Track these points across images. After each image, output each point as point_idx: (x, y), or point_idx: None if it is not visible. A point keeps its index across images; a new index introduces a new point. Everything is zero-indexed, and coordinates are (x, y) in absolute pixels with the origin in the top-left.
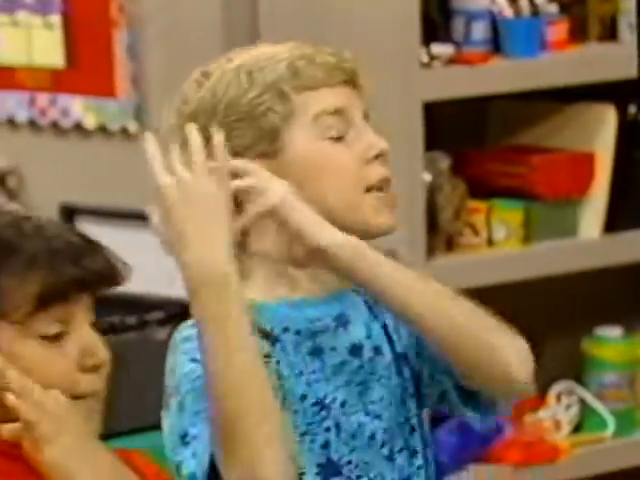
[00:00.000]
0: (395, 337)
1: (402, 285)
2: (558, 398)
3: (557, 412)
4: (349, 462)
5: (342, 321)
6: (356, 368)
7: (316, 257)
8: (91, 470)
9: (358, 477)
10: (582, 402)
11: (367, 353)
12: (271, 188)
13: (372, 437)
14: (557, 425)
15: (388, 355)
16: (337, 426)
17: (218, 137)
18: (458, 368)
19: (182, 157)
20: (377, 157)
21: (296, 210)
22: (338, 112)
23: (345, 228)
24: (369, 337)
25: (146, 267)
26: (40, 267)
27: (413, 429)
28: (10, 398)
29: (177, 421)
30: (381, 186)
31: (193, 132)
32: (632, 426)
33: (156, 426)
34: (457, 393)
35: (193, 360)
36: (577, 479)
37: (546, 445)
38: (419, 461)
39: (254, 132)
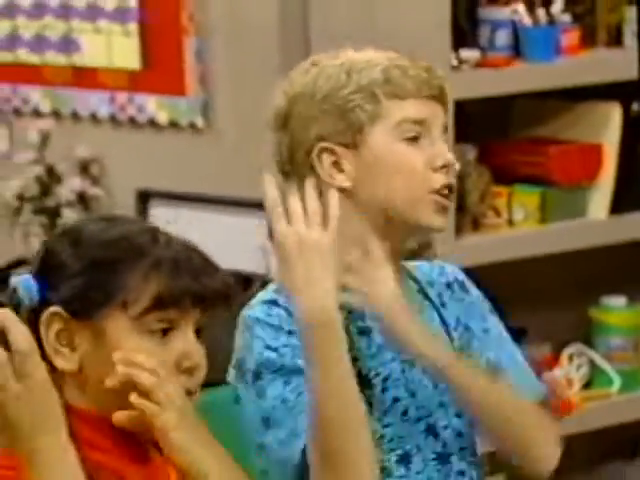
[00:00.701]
0: (455, 334)
1: (475, 392)
2: (570, 359)
3: (569, 371)
4: (381, 436)
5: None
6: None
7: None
8: (214, 455)
9: (391, 450)
10: (591, 363)
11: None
12: (379, 293)
13: (405, 413)
14: (569, 383)
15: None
16: (371, 403)
17: (333, 198)
18: (499, 449)
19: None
20: (443, 167)
21: (400, 319)
22: (419, 122)
23: (401, 221)
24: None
25: (206, 242)
26: (162, 273)
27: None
28: (137, 394)
29: (258, 405)
30: (444, 193)
31: (308, 187)
32: (636, 384)
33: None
34: None
35: (268, 348)
36: (587, 431)
37: (560, 400)
38: (465, 442)
39: (342, 123)
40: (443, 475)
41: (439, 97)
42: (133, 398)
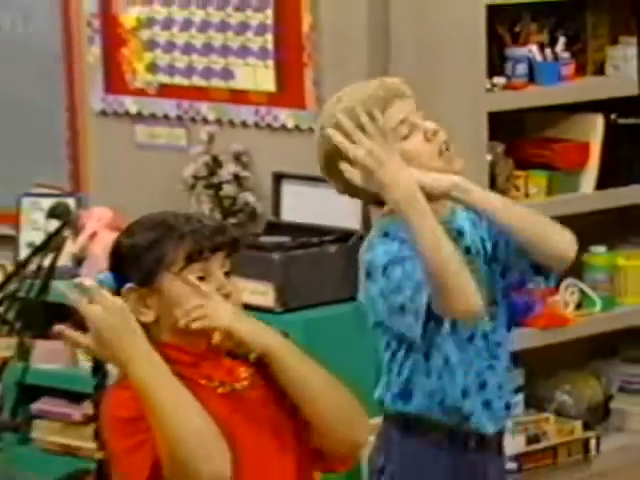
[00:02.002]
0: (488, 245)
1: (501, 209)
2: (566, 289)
3: (566, 297)
4: None
5: (460, 232)
6: (467, 260)
7: (452, 195)
8: (277, 340)
9: None
10: (581, 291)
11: (474, 251)
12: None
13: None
14: (566, 304)
15: (482, 254)
16: None
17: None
18: (533, 251)
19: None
20: (434, 134)
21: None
22: (402, 122)
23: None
24: (473, 241)
25: (325, 209)
26: (186, 240)
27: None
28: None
29: (388, 284)
30: (444, 148)
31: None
32: (612, 305)
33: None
34: (530, 269)
35: (387, 252)
36: (578, 337)
37: (559, 316)
38: (503, 321)
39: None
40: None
41: (400, 95)
42: (197, 325)
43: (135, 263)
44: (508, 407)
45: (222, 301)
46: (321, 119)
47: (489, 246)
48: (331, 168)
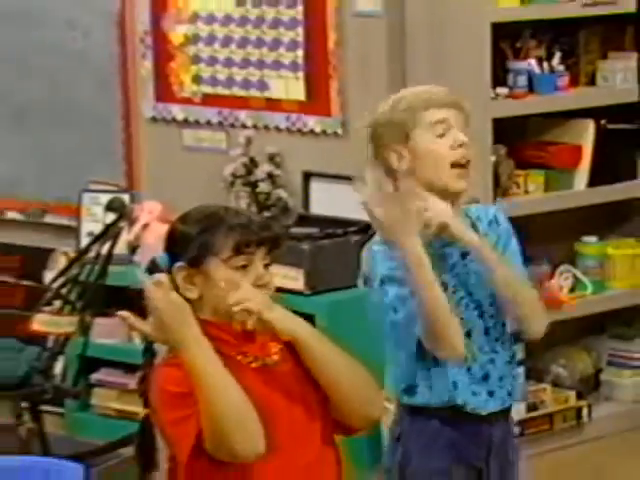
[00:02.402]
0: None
1: (491, 265)
2: (561, 274)
3: (560, 281)
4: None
5: (474, 224)
6: (462, 265)
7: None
8: (303, 327)
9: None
10: (574, 276)
11: (471, 258)
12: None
13: (467, 306)
14: (560, 288)
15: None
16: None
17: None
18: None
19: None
20: (460, 146)
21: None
22: (442, 121)
23: (438, 188)
24: (487, 235)
25: (348, 203)
26: (235, 232)
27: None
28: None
29: (384, 300)
30: (462, 163)
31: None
32: (601, 289)
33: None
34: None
35: (386, 267)
36: (571, 317)
37: (555, 299)
38: (502, 319)
39: (397, 132)
40: (487, 340)
41: (456, 105)
42: (236, 309)
43: (186, 246)
44: (510, 394)
45: (256, 291)
46: (373, 117)
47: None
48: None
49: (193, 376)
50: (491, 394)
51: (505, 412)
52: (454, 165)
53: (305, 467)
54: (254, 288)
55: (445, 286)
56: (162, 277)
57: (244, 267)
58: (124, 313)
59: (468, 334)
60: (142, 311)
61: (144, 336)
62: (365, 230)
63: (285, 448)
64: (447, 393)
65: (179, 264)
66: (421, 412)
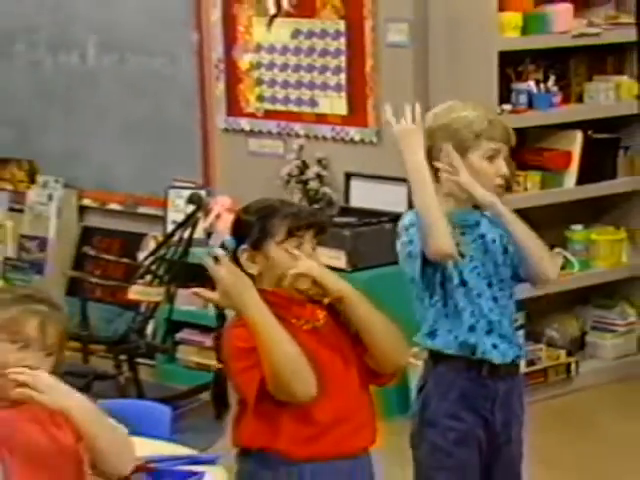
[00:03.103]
0: (505, 240)
1: (514, 226)
2: (555, 255)
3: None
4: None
5: (477, 222)
6: (480, 243)
7: (484, 206)
8: (349, 287)
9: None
10: (565, 257)
11: (489, 239)
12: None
13: (478, 274)
14: None
15: (499, 244)
16: (461, 274)
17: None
18: (526, 264)
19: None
20: (501, 176)
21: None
22: (496, 151)
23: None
24: (489, 232)
25: (381, 198)
26: (288, 219)
27: (503, 280)
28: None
29: (407, 246)
30: (501, 185)
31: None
32: (586, 267)
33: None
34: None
35: (410, 218)
36: (561, 290)
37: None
38: (510, 295)
39: (456, 145)
40: (494, 305)
41: (507, 141)
42: (293, 272)
43: (249, 231)
44: (517, 347)
45: (312, 260)
46: (439, 116)
47: (505, 241)
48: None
49: (254, 332)
50: (494, 346)
51: (514, 366)
52: (496, 186)
53: (347, 408)
54: (309, 259)
55: (462, 255)
56: (218, 251)
57: (298, 247)
58: (196, 289)
59: (479, 295)
60: (213, 284)
61: (215, 304)
62: (395, 219)
63: (331, 392)
64: (463, 335)
65: (243, 246)
66: (440, 358)
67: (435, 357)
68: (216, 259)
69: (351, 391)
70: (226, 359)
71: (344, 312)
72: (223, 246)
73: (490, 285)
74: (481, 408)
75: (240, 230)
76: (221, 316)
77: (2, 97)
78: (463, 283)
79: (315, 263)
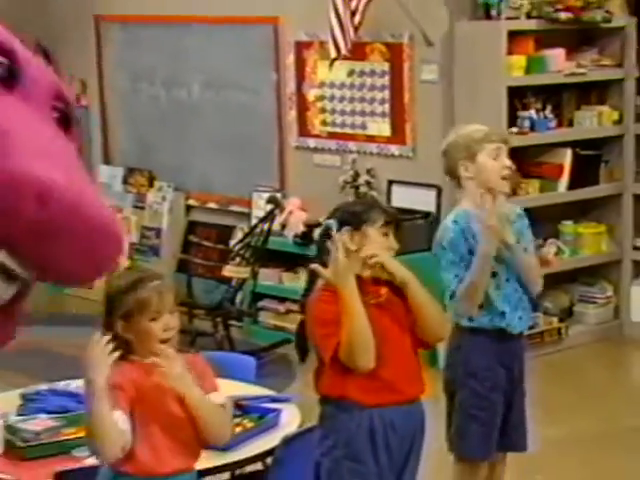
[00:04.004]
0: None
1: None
2: (549, 244)
3: (549, 248)
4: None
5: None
6: (508, 259)
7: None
8: (409, 273)
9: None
10: (557, 246)
11: (511, 258)
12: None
13: (508, 280)
14: (549, 253)
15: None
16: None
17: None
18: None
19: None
20: (506, 168)
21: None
22: (498, 149)
23: (491, 188)
24: (517, 230)
25: (415, 199)
26: (385, 213)
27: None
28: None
29: (449, 267)
30: (506, 177)
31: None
32: (575, 254)
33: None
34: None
35: (455, 229)
36: (556, 271)
37: (545, 259)
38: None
39: (467, 153)
40: (518, 298)
41: (503, 141)
42: (371, 261)
43: (351, 218)
44: (530, 320)
45: (383, 249)
46: (449, 137)
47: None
48: (447, 169)
49: (344, 305)
50: (520, 318)
51: (523, 333)
52: (502, 178)
53: (402, 365)
54: (381, 248)
55: (495, 274)
56: (345, 240)
57: (385, 235)
58: (314, 265)
59: (507, 280)
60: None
61: (308, 280)
62: (425, 217)
63: (390, 353)
64: (496, 318)
65: (346, 227)
66: (477, 334)
67: (471, 330)
68: (329, 235)
69: (405, 352)
70: (310, 325)
71: (405, 292)
72: (327, 228)
73: (515, 287)
74: (507, 362)
75: (345, 217)
76: (309, 289)
77: (131, 122)
78: (493, 274)
79: (385, 252)
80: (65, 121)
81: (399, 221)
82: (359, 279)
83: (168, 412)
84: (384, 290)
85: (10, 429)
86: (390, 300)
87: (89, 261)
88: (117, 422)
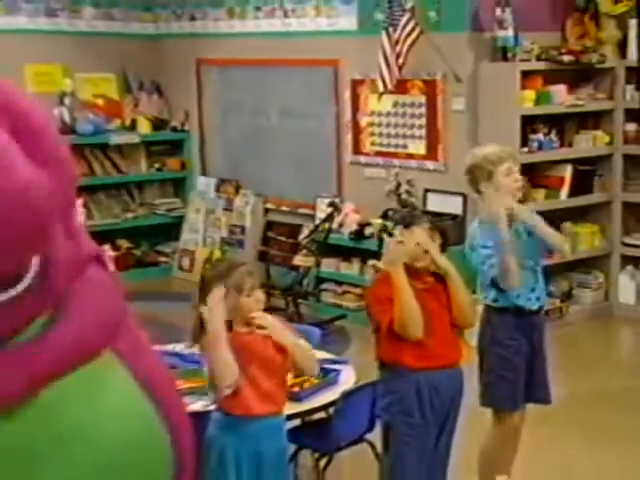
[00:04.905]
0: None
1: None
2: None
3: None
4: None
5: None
6: (525, 242)
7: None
8: (451, 265)
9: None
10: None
11: (526, 241)
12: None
13: (527, 261)
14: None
15: (524, 232)
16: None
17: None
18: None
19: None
20: (517, 181)
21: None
22: (509, 169)
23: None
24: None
25: (446, 204)
26: (429, 216)
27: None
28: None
29: (484, 261)
30: (518, 189)
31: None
32: (574, 248)
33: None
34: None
35: (481, 233)
36: (558, 262)
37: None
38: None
39: (485, 172)
40: (534, 277)
41: (514, 159)
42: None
43: (403, 219)
44: (545, 299)
45: (435, 244)
46: (469, 159)
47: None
48: (471, 184)
49: (396, 288)
50: (538, 299)
51: (541, 310)
52: (515, 190)
53: (444, 337)
54: (433, 243)
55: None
56: (399, 235)
57: (430, 235)
58: (372, 261)
59: (522, 268)
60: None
61: (377, 269)
62: (454, 218)
63: (435, 328)
64: (514, 299)
65: (399, 226)
66: (502, 312)
67: (497, 309)
68: (389, 234)
69: (446, 327)
70: (369, 304)
71: (447, 282)
72: (385, 225)
73: (532, 265)
74: (528, 333)
75: (398, 218)
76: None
77: (223, 143)
78: None
79: (435, 246)
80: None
81: (439, 225)
82: (412, 269)
83: (267, 357)
84: (430, 279)
85: None
86: (435, 286)
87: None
88: (232, 361)
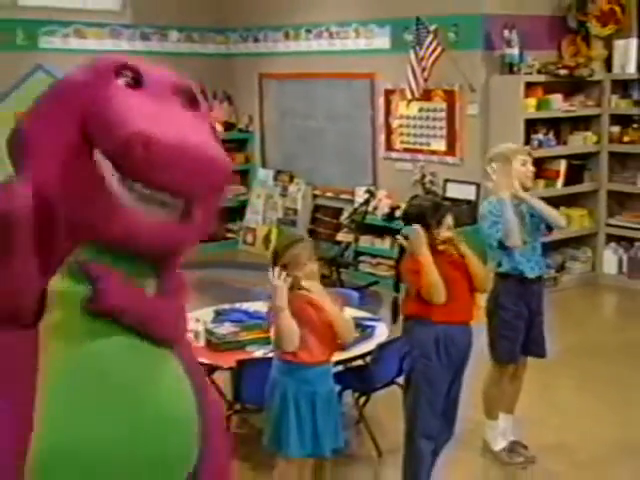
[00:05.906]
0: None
1: (541, 208)
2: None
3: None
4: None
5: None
6: (528, 221)
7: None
8: (468, 248)
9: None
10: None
11: (528, 221)
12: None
13: (529, 235)
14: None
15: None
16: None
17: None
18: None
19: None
20: (531, 172)
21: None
22: (524, 160)
23: (520, 184)
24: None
25: (462, 191)
26: (441, 212)
27: (533, 232)
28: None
29: (492, 226)
30: (530, 177)
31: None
32: (567, 228)
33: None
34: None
35: (493, 214)
36: (554, 240)
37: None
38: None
39: (505, 160)
40: (534, 247)
41: (529, 154)
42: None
43: (427, 214)
44: (543, 269)
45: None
46: (490, 154)
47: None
48: (488, 163)
49: (422, 265)
50: (540, 269)
51: (541, 277)
52: (527, 177)
53: (463, 299)
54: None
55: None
56: (419, 229)
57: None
58: (400, 240)
59: (524, 242)
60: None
61: (399, 250)
62: (468, 203)
63: (456, 292)
64: (517, 265)
65: (415, 225)
66: (505, 278)
67: (502, 275)
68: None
69: (465, 292)
70: (403, 273)
71: (465, 259)
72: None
73: (534, 238)
74: (528, 299)
75: (410, 215)
76: (401, 252)
77: (279, 141)
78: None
79: (454, 235)
80: (192, 102)
81: (452, 210)
82: (437, 250)
83: (317, 321)
84: (455, 255)
85: (208, 332)
86: (457, 260)
87: (198, 179)
88: (293, 330)
